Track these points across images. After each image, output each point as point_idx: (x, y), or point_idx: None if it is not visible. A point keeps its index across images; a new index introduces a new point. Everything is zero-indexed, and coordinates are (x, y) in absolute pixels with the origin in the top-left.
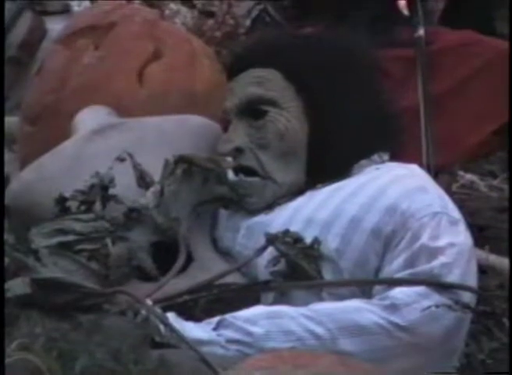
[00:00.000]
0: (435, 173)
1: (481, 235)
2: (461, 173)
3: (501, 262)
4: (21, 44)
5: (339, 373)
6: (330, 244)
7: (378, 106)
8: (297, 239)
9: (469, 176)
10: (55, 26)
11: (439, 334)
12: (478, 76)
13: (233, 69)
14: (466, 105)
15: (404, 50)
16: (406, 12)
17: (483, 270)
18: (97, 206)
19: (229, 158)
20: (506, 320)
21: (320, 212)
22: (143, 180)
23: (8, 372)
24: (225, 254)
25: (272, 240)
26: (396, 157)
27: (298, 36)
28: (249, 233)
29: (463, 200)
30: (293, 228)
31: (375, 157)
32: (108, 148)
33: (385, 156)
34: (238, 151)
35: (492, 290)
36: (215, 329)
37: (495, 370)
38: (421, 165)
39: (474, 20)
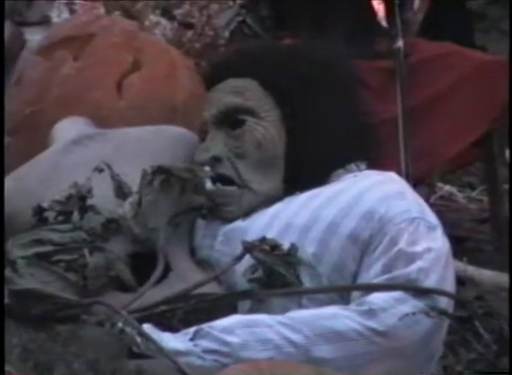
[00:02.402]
0: (414, 183)
1: (459, 247)
2: (440, 184)
3: (479, 273)
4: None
5: None
6: (307, 249)
7: (355, 116)
8: (274, 246)
9: (448, 188)
10: (34, 36)
11: (417, 339)
12: (456, 88)
13: (211, 79)
14: (445, 117)
15: (383, 61)
16: (384, 23)
17: (461, 282)
18: (75, 217)
19: (207, 168)
20: (483, 331)
21: (298, 217)
22: (121, 191)
23: None
24: (203, 262)
25: (249, 248)
26: (373, 167)
27: (276, 46)
28: (227, 240)
29: (441, 211)
30: (271, 234)
31: (353, 166)
32: (86, 158)
33: (363, 166)
34: (215, 160)
35: (468, 299)
36: (191, 339)
37: None
38: (399, 174)
39: (454, 32)
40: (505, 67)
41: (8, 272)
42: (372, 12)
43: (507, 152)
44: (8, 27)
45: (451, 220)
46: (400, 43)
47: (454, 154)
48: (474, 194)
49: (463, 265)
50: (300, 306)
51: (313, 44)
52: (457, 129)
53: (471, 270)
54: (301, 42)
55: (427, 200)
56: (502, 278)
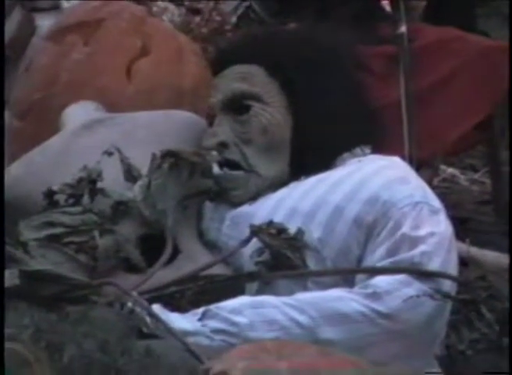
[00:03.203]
0: (417, 167)
1: (462, 228)
2: (443, 167)
3: (482, 254)
4: (10, 40)
5: (319, 363)
6: (313, 233)
7: (360, 101)
8: (281, 230)
9: (450, 170)
10: (45, 22)
11: (421, 322)
12: (458, 73)
13: (218, 65)
14: (447, 101)
15: (386, 46)
16: (388, 8)
17: (464, 263)
18: (85, 199)
19: (214, 152)
20: (486, 311)
21: (303, 202)
22: (130, 174)
23: None
24: (211, 245)
25: (256, 231)
26: (378, 151)
27: (282, 32)
28: (234, 224)
29: (444, 193)
30: (277, 218)
31: (357, 150)
32: (96, 142)
33: (367, 150)
34: (223, 146)
35: (471, 280)
36: (200, 319)
37: (474, 363)
38: (403, 158)
39: (456, 17)
40: (506, 52)
41: (19, 253)
42: None
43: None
44: (18, 13)
45: (454, 202)
46: (404, 28)
47: (457, 137)
48: (476, 176)
49: (466, 246)
50: (306, 289)
51: (317, 30)
52: (460, 113)
53: (474, 251)
54: (306, 28)
55: (430, 182)
56: (504, 259)
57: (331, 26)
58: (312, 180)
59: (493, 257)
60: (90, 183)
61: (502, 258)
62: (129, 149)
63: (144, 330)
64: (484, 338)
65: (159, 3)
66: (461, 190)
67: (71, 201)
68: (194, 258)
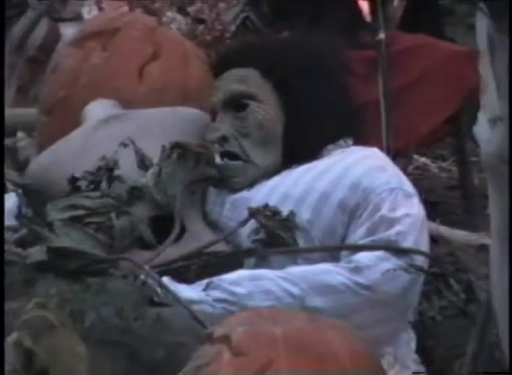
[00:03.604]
0: (394, 156)
1: (433, 210)
2: (416, 156)
3: (450, 233)
4: (39, 46)
5: (308, 328)
6: (303, 216)
7: (343, 99)
8: (275, 212)
9: (422, 160)
10: (68, 31)
11: (397, 292)
12: (429, 74)
13: (219, 68)
14: (419, 99)
15: (367, 51)
16: (368, 18)
17: (435, 240)
18: (104, 185)
19: (216, 145)
20: (453, 282)
21: (294, 188)
22: (143, 163)
23: (26, 327)
24: (213, 225)
25: (253, 213)
26: (359, 142)
27: (275, 40)
28: (233, 207)
29: (417, 180)
30: (272, 202)
31: (341, 142)
32: (113, 135)
33: (350, 141)
34: (223, 139)
35: (441, 256)
36: (204, 290)
37: (443, 327)
38: (381, 149)
39: (427, 26)
40: (470, 56)
41: (46, 232)
42: (358, 10)
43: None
44: (46, 23)
45: (425, 187)
46: (382, 35)
47: (428, 130)
48: (445, 164)
49: (436, 225)
50: (296, 264)
51: (307, 38)
52: (430, 109)
53: (443, 230)
54: (296, 36)
55: (404, 170)
56: (470, 237)
57: (319, 34)
58: (302, 168)
59: (460, 235)
60: (108, 171)
61: (467, 236)
62: (142, 141)
63: (155, 299)
64: (452, 306)
65: (168, 14)
66: (432, 177)
67: (91, 186)
68: (199, 237)
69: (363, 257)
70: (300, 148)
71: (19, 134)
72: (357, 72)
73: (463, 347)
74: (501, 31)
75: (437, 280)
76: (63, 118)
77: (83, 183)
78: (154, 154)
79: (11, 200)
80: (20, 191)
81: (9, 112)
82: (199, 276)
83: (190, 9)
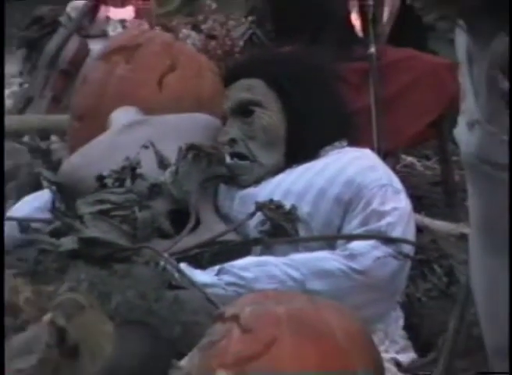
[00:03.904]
0: (384, 156)
1: (418, 203)
2: (403, 156)
3: (434, 223)
4: (70, 60)
5: (308, 308)
6: (303, 209)
7: (339, 106)
8: (279, 206)
9: (409, 159)
10: (96, 46)
11: (387, 276)
12: (415, 84)
13: (228, 79)
14: (406, 105)
15: (360, 63)
16: (361, 34)
17: (420, 230)
18: (128, 182)
19: (226, 147)
20: (436, 267)
21: (295, 185)
22: (162, 163)
23: (59, 308)
24: (224, 218)
25: (260, 207)
26: (353, 144)
27: (278, 53)
28: (242, 202)
29: (405, 177)
30: (276, 197)
31: (337, 144)
32: (136, 138)
33: (345, 143)
34: (233, 141)
35: (426, 244)
36: (216, 275)
37: (428, 307)
38: (372, 150)
39: (413, 40)
40: (451, 67)
41: (77, 224)
42: (351, 27)
43: (455, 130)
44: (76, 40)
45: (412, 184)
46: (373, 50)
47: (414, 133)
48: (429, 163)
49: (421, 217)
50: (297, 251)
51: (306, 52)
52: (416, 114)
53: (427, 221)
54: (297, 50)
55: (393, 168)
56: (451, 227)
57: (317, 48)
58: (302, 167)
59: (442, 225)
60: (131, 169)
61: (448, 226)
62: (161, 144)
63: (173, 282)
64: (435, 288)
65: (184, 31)
66: (417, 174)
67: (117, 183)
68: (212, 228)
69: (356, 245)
70: (300, 149)
71: (53, 138)
72: (350, 81)
73: (445, 324)
74: (477, 44)
75: (422, 266)
76: (92, 123)
77: (109, 181)
78: (171, 155)
79: (45, 196)
80: (54, 188)
81: (44, 119)
82: (212, 263)
83: (203, 27)
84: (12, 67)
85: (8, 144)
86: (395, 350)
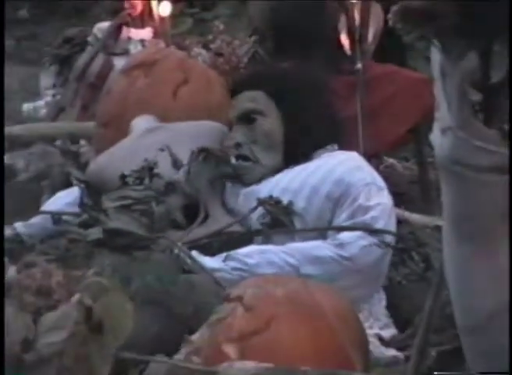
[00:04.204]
0: (369, 158)
1: (398, 199)
2: (386, 158)
3: (412, 216)
4: (97, 74)
5: (303, 290)
6: (299, 204)
7: (329, 114)
8: (278, 202)
9: (391, 160)
10: (119, 62)
11: (371, 263)
12: (396, 96)
13: (234, 91)
14: (388, 114)
15: (348, 77)
16: (349, 52)
17: (400, 222)
18: (146, 181)
19: (232, 150)
20: (414, 254)
21: (292, 183)
22: (176, 164)
23: (86, 290)
24: (230, 211)
25: (261, 202)
26: (342, 147)
27: (277, 69)
28: (245, 198)
29: (387, 176)
30: (275, 194)
31: (328, 147)
32: (153, 142)
33: (335, 146)
34: (238, 145)
35: (405, 234)
36: (223, 261)
37: (407, 289)
38: (359, 152)
39: (394, 58)
40: (427, 82)
41: (102, 217)
42: (340, 45)
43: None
44: (102, 57)
45: (393, 182)
46: (359, 65)
47: (395, 138)
48: (408, 164)
49: (401, 211)
50: (294, 241)
51: (301, 67)
52: (397, 122)
53: (407, 214)
54: (294, 66)
55: (377, 169)
56: (427, 219)
57: (310, 64)
58: (298, 168)
59: (419, 218)
60: (149, 169)
61: (425, 219)
62: (176, 147)
63: (186, 267)
64: (413, 273)
65: (195, 49)
66: (398, 174)
67: (137, 181)
68: (219, 221)
69: (345, 236)
70: (296, 152)
71: (82, 142)
72: (340, 93)
73: (422, 304)
74: (450, 61)
75: (402, 253)
76: (115, 130)
77: (130, 179)
78: (184, 157)
79: (75, 192)
80: (82, 185)
81: (74, 125)
82: (219, 251)
83: (212, 46)
84: (46, 81)
85: (43, 148)
86: (378, 326)
